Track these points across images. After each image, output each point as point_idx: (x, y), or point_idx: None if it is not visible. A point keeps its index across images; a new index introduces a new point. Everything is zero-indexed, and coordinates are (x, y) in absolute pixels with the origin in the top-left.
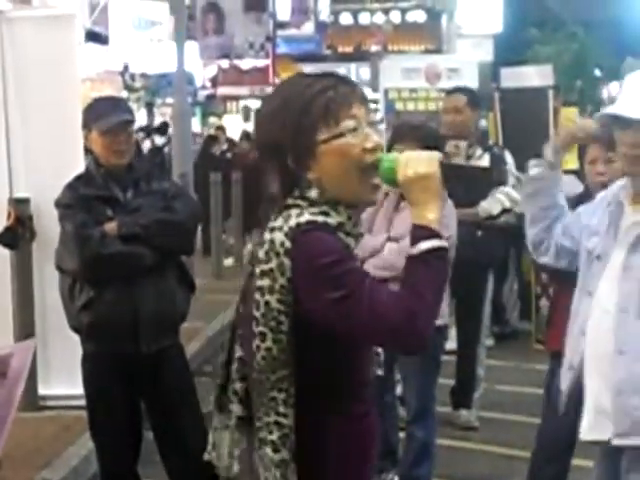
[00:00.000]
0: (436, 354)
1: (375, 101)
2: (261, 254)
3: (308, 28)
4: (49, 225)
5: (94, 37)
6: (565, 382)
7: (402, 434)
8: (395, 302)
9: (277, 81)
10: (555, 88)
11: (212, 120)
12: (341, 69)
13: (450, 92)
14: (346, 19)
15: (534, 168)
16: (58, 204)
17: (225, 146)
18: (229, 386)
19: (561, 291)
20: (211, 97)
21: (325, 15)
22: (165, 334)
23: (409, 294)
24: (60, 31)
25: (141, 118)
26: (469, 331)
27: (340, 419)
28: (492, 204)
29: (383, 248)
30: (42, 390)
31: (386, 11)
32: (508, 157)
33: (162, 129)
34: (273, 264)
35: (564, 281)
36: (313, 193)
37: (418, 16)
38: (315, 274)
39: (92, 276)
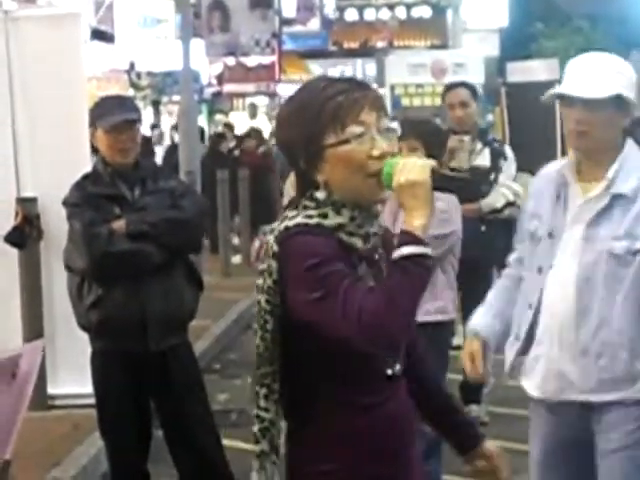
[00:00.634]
0: (444, 349)
1: None
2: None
3: (314, 24)
4: (56, 224)
5: (99, 35)
6: (511, 352)
7: None
8: (366, 304)
9: (283, 78)
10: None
11: (218, 117)
12: (347, 65)
13: (452, 87)
14: (351, 15)
15: None
16: (66, 203)
17: (232, 143)
18: None
19: None
20: (217, 94)
21: (330, 11)
22: (173, 332)
23: (381, 297)
24: (65, 30)
25: (148, 116)
26: None
27: (341, 408)
28: (496, 198)
29: None
30: (51, 389)
31: (391, 7)
32: (508, 151)
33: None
34: (265, 265)
35: None
36: (321, 194)
37: (423, 11)
38: (296, 276)
39: (100, 274)
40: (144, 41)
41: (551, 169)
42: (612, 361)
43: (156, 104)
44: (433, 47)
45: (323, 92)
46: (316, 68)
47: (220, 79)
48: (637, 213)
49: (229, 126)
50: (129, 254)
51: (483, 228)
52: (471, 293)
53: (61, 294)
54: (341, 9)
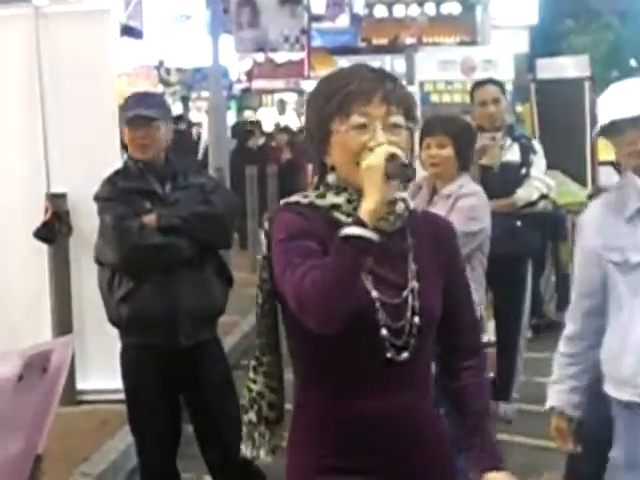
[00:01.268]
0: None
1: None
2: None
3: (343, 21)
4: (86, 220)
5: (129, 32)
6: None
7: None
8: (301, 280)
9: (312, 74)
10: (591, 79)
11: (247, 114)
12: (376, 62)
13: (481, 84)
14: (381, 11)
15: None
16: (97, 198)
17: (262, 140)
18: None
19: None
20: (246, 91)
21: (360, 8)
22: (203, 327)
23: (314, 273)
24: (95, 26)
25: (177, 112)
26: (510, 323)
27: (332, 393)
28: (530, 191)
29: None
30: (80, 384)
31: (421, 3)
32: (537, 146)
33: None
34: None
35: None
36: (331, 177)
37: (453, 8)
38: (273, 251)
39: (131, 268)
40: (173, 37)
41: (595, 207)
42: None
43: (185, 100)
44: (462, 44)
45: (338, 80)
46: (345, 64)
47: (249, 75)
48: None
49: (258, 123)
50: (160, 248)
51: (518, 223)
52: (505, 290)
53: (90, 290)
54: (370, 5)
